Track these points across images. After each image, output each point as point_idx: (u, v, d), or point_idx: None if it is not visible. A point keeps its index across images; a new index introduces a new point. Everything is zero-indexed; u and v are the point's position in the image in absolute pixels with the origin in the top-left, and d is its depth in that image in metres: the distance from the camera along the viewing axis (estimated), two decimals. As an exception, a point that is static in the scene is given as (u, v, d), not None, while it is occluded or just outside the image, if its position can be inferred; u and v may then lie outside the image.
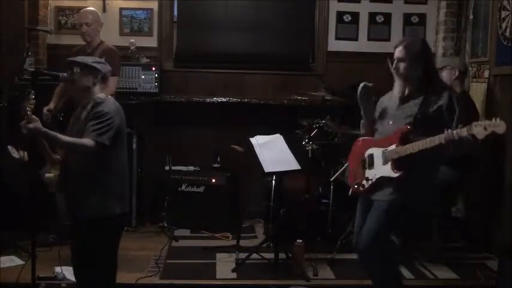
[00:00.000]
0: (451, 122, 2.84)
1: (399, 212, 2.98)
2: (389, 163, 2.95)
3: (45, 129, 2.67)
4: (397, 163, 2.93)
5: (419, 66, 2.99)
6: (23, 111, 2.67)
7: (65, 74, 2.92)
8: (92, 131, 2.70)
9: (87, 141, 2.69)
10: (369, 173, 3.09)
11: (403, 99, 3.05)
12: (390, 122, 3.06)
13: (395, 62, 3.03)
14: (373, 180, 3.04)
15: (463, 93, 4.42)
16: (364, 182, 3.10)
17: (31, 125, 2.62)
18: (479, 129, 2.60)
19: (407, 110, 3.01)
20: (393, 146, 2.94)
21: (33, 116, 2.65)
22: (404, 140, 2.92)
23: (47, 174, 2.81)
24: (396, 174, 2.92)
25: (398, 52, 3.02)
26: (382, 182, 3.00)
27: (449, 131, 2.70)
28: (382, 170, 3.00)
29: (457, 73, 4.26)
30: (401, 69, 3.01)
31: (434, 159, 2.98)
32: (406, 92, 3.04)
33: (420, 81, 3.00)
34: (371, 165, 3.07)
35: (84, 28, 4.29)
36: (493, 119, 2.59)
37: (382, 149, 3.01)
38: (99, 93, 2.86)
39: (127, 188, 2.93)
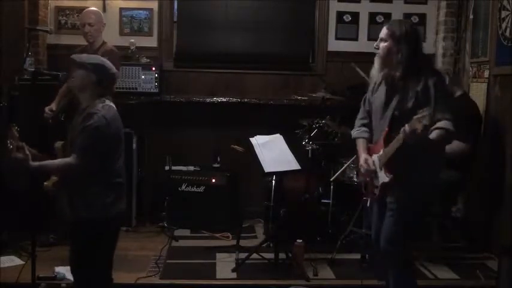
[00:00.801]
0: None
1: (409, 213, 2.92)
2: (383, 168, 2.92)
3: (33, 165, 2.67)
4: (388, 167, 2.88)
5: (402, 49, 2.84)
6: (7, 145, 2.66)
7: (65, 73, 2.91)
8: (78, 149, 2.70)
9: (73, 159, 2.69)
10: (376, 181, 3.04)
11: (388, 97, 2.94)
12: (381, 121, 2.98)
13: (377, 41, 2.95)
14: (379, 187, 3.00)
15: (464, 95, 4.42)
16: (375, 190, 3.05)
17: (20, 155, 2.62)
18: (415, 122, 2.55)
19: (389, 111, 2.92)
20: (381, 151, 2.92)
21: (22, 145, 2.64)
22: (388, 142, 2.86)
23: (45, 183, 2.82)
24: (387, 179, 2.89)
25: (382, 32, 2.94)
26: (384, 187, 2.96)
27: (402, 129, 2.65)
28: (380, 175, 2.96)
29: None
30: (380, 48, 2.93)
31: (430, 159, 2.91)
32: (386, 80, 2.94)
33: (403, 68, 2.85)
34: (376, 172, 3.02)
35: (87, 28, 4.26)
36: (421, 110, 2.54)
37: (377, 154, 2.98)
38: (96, 97, 2.81)
39: (123, 190, 2.90)
